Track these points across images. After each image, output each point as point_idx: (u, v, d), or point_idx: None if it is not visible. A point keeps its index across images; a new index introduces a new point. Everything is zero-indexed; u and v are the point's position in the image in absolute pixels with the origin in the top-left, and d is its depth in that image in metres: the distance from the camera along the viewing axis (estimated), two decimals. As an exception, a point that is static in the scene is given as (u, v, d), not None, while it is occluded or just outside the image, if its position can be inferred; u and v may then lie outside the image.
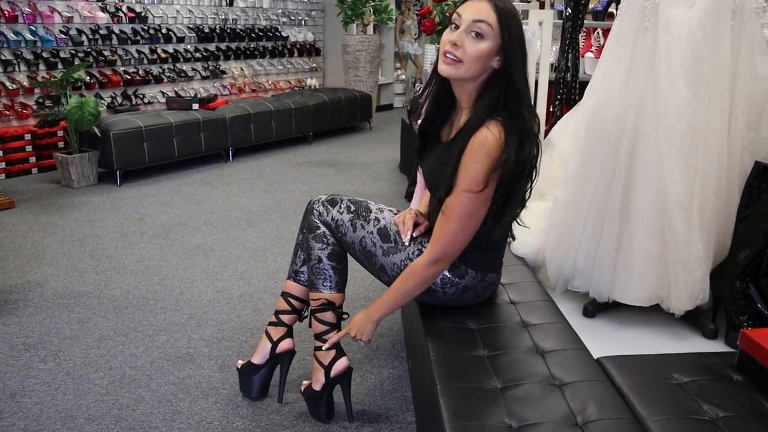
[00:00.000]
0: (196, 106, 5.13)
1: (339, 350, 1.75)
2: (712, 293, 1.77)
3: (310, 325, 1.77)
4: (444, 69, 1.51)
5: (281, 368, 1.87)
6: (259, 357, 1.85)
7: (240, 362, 1.90)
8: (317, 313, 1.74)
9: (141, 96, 5.69)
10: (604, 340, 1.73)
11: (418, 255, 1.64)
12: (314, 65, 7.75)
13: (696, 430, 1.23)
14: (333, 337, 1.71)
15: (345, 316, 1.77)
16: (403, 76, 9.31)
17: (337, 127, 6.61)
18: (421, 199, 2.83)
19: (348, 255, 1.77)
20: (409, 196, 3.80)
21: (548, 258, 1.94)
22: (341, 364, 1.75)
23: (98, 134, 4.31)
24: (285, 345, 1.84)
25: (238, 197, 4.17)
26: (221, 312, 2.48)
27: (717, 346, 1.73)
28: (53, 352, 2.15)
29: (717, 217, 1.72)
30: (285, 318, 1.85)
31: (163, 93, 5.85)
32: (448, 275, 1.63)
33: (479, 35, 1.46)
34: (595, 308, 1.85)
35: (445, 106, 1.64)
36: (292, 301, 1.84)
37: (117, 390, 1.93)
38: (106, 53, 5.34)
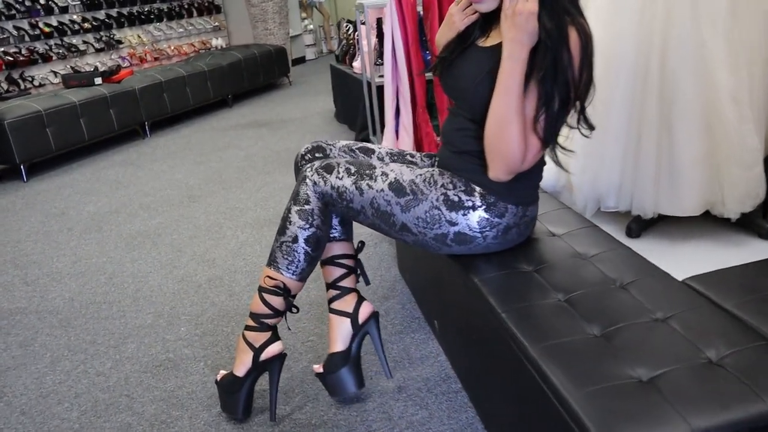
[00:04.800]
0: (98, 80, 4.55)
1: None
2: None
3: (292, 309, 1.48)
4: (478, 8, 1.36)
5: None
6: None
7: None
8: (266, 293, 1.44)
9: (29, 79, 4.99)
10: (663, 261, 1.52)
11: (444, 201, 1.36)
12: (217, 24, 7.14)
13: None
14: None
15: (294, 310, 1.46)
16: (311, 26, 8.82)
17: (256, 87, 6.13)
18: (394, 138, 2.54)
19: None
20: (362, 144, 3.49)
21: (574, 180, 1.71)
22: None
23: (-11, 126, 3.70)
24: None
25: (169, 174, 3.71)
26: (192, 303, 2.11)
27: (776, 246, 1.56)
28: (-3, 389, 1.74)
29: (766, 106, 1.53)
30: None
31: (56, 73, 5.17)
32: (486, 216, 1.36)
33: None
34: (639, 227, 1.64)
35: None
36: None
37: (93, 421, 1.57)
38: (-23, 34, 4.62)
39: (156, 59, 6.21)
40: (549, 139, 1.28)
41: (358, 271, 1.57)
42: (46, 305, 2.20)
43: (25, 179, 3.83)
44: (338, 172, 1.43)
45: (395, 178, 1.41)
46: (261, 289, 1.46)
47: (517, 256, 1.40)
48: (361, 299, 1.53)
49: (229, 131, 4.69)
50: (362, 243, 1.57)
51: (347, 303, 1.52)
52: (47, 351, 1.91)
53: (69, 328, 2.03)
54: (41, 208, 3.29)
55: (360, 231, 1.72)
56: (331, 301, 1.53)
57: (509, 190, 1.36)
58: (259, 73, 6.07)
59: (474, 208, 1.36)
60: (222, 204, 3.08)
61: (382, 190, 1.40)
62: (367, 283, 1.56)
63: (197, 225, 2.83)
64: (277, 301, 1.44)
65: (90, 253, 2.62)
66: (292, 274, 1.43)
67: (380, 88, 3.67)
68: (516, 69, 1.22)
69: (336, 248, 1.54)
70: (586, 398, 0.94)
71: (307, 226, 1.42)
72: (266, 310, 1.45)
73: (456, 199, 1.36)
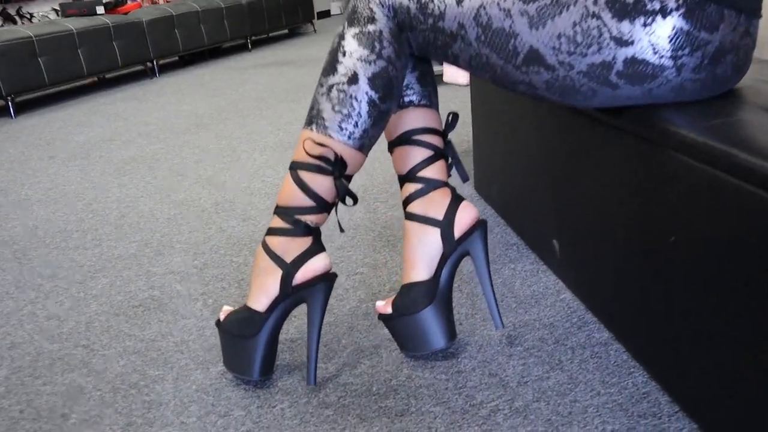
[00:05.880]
0: (100, 9, 3.98)
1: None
2: None
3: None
4: None
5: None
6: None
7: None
8: (304, 171, 0.86)
9: (28, 15, 4.48)
10: None
11: (607, 2, 0.76)
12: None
13: None
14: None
15: (350, 200, 0.91)
16: (337, -22, 8.19)
17: (278, 31, 5.55)
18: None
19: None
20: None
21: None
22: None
23: (-30, 52, 3.17)
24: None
25: (177, 105, 3.15)
26: (191, 230, 1.55)
27: None
28: None
29: None
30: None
31: (57, 11, 4.64)
32: (685, 26, 0.74)
33: None
34: None
35: None
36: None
37: (27, 383, 1.01)
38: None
39: (167, 1, 5.64)
40: None
41: (450, 159, 0.97)
42: (1, 235, 1.65)
43: (12, 116, 3.29)
44: None
45: None
46: (295, 166, 0.87)
47: (738, 99, 0.80)
48: (457, 199, 0.94)
49: (248, 70, 4.11)
50: (455, 115, 0.97)
51: (435, 204, 0.92)
52: (-13, 289, 1.36)
53: (24, 261, 1.47)
54: (25, 140, 2.75)
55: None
56: (407, 201, 0.94)
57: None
58: (281, 16, 5.47)
59: (664, 11, 0.74)
60: (237, 130, 2.50)
61: None
62: (465, 178, 0.97)
63: (205, 149, 2.26)
64: (323, 184, 0.86)
65: (69, 180, 2.06)
66: (349, 138, 0.84)
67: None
68: None
69: (414, 118, 0.95)
70: None
71: (374, 57, 0.84)
72: (304, 200, 0.86)
73: None
